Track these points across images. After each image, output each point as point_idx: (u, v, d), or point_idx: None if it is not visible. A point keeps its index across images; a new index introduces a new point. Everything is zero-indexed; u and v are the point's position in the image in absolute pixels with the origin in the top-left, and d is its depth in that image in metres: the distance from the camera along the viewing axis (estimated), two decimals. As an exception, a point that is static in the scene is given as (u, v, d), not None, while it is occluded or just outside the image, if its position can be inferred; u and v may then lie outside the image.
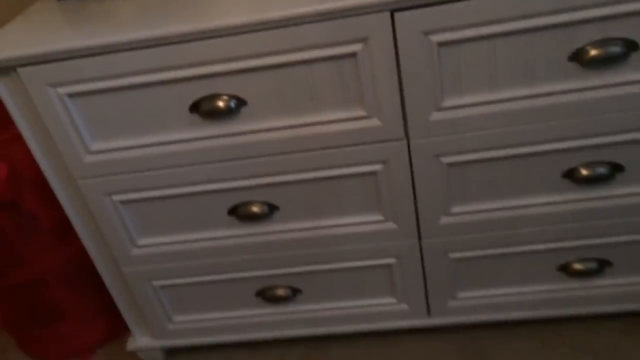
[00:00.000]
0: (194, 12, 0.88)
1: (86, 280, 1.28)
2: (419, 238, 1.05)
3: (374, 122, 0.91)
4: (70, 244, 1.22)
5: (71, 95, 0.92)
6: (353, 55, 0.84)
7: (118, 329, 1.38)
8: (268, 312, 1.20)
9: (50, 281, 1.25)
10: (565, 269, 1.07)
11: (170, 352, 1.32)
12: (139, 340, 1.27)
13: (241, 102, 0.91)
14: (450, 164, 0.95)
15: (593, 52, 0.81)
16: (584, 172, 0.93)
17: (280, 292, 1.16)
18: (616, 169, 0.93)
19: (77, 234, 1.12)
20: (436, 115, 0.89)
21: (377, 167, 0.96)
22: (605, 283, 1.08)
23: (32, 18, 1.02)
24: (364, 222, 1.04)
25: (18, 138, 1.06)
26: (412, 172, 0.97)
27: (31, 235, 1.17)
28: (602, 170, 0.93)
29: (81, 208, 1.07)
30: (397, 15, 0.80)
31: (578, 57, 0.82)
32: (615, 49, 0.80)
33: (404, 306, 1.15)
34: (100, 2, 1.03)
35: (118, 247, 1.10)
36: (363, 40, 0.83)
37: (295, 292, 1.16)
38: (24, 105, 0.95)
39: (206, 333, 1.24)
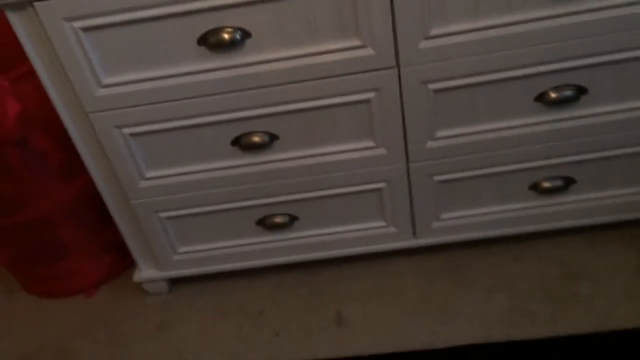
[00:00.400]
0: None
1: (91, 217, 1.35)
2: (407, 162, 1.15)
3: (368, 51, 1.00)
4: (76, 182, 1.28)
5: (85, 30, 0.98)
6: (351, -14, 0.93)
7: (121, 266, 1.46)
8: (267, 239, 1.29)
9: (57, 219, 1.31)
10: (535, 188, 1.19)
11: (174, 282, 1.40)
12: (145, 272, 1.36)
13: (246, 34, 0.99)
14: (436, 90, 1.05)
15: (562, -18, 0.92)
16: (553, 95, 1.05)
17: (279, 219, 1.25)
18: (581, 91, 1.05)
19: (84, 171, 1.18)
20: (424, 44, 0.99)
21: (370, 95, 1.06)
22: (570, 199, 1.21)
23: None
24: (356, 148, 1.14)
25: (27, 76, 1.12)
26: (401, 100, 1.07)
27: (39, 173, 1.23)
28: (568, 92, 1.05)
29: (91, 142, 1.13)
30: (391, -52, 0.90)
31: (549, -14, 0.93)
32: (581, -21, 0.92)
33: (392, 229, 1.27)
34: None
35: (127, 180, 1.17)
36: (360, -28, 0.92)
37: (292, 220, 1.26)
38: (39, 40, 1.00)
39: (208, 262, 1.33)
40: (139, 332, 1.32)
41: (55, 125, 1.12)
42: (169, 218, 1.24)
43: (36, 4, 0.95)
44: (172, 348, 1.27)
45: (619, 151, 1.13)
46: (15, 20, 0.98)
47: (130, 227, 1.27)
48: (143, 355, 1.27)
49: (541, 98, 1.06)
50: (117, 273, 1.46)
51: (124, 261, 1.44)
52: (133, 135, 1.11)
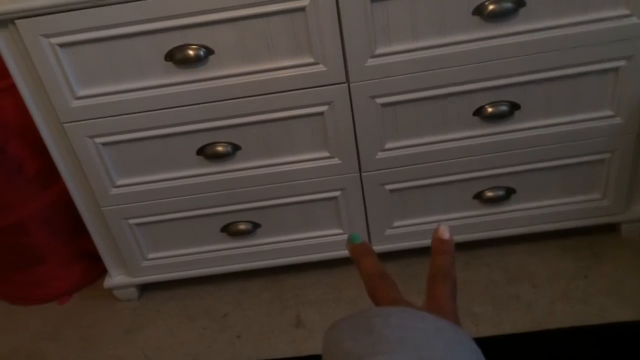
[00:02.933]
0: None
1: (65, 225, 1.42)
2: (360, 172, 1.25)
3: (320, 68, 1.10)
4: (51, 190, 1.36)
5: (62, 45, 1.08)
6: (302, 9, 1.04)
7: (93, 274, 1.52)
8: (231, 246, 1.37)
9: (32, 225, 1.38)
10: (479, 197, 1.29)
11: (144, 288, 1.47)
12: (115, 278, 1.42)
13: (209, 51, 1.09)
14: (384, 104, 1.15)
15: (491, 7, 1.03)
16: (489, 109, 1.16)
17: (242, 226, 1.33)
18: (514, 107, 1.16)
19: (58, 179, 1.26)
20: (371, 62, 1.10)
21: (323, 108, 1.16)
22: (512, 208, 1.31)
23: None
24: (313, 158, 1.23)
25: (6, 89, 1.21)
26: (352, 113, 1.16)
27: (16, 180, 1.31)
28: (503, 108, 1.15)
29: (65, 151, 1.21)
30: (337, -24, 1.01)
31: (479, 11, 1.04)
32: (508, 5, 1.03)
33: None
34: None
35: (98, 187, 1.25)
36: (310, -4, 1.02)
37: (255, 227, 1.34)
38: (19, 55, 1.09)
39: (176, 268, 1.40)
40: (108, 336, 1.38)
41: (32, 135, 1.21)
42: (138, 225, 1.32)
43: (17, 21, 1.04)
44: (139, 350, 1.33)
45: (551, 163, 1.23)
46: (-2, 37, 1.07)
47: (102, 233, 1.34)
48: (111, 357, 1.33)
49: (479, 113, 1.17)
50: (90, 281, 1.53)
51: (96, 269, 1.51)
52: (105, 144, 1.20)
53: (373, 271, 0.45)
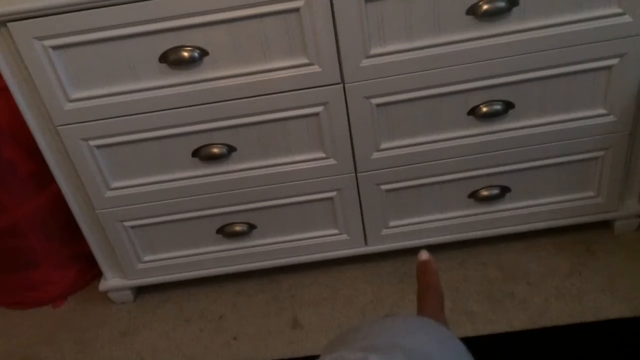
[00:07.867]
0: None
1: (60, 227, 1.41)
2: (355, 172, 1.25)
3: (315, 68, 1.10)
4: (45, 192, 1.35)
5: (55, 48, 1.07)
6: (297, 10, 1.03)
7: (88, 276, 1.52)
8: (227, 247, 1.37)
9: (26, 228, 1.37)
10: (474, 196, 1.29)
11: (139, 291, 1.46)
12: (110, 281, 1.42)
13: (204, 53, 1.09)
14: (379, 105, 1.15)
15: (484, 7, 1.03)
16: (484, 109, 1.16)
17: (238, 228, 1.33)
18: (508, 106, 1.16)
19: (52, 182, 1.25)
20: (366, 62, 1.10)
21: (318, 109, 1.16)
22: (507, 207, 1.31)
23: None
24: (308, 159, 1.23)
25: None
26: (347, 113, 1.16)
27: (10, 183, 1.30)
28: (497, 107, 1.16)
29: (59, 154, 1.21)
30: (331, -24, 1.01)
31: (473, 11, 1.05)
32: (501, 4, 1.03)
33: (344, 236, 1.35)
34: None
35: (93, 190, 1.25)
36: (304, -3, 1.02)
37: (251, 228, 1.33)
38: (12, 58, 1.09)
39: (171, 270, 1.39)
40: (104, 339, 1.37)
41: (25, 137, 1.20)
42: (134, 227, 1.31)
43: (9, 24, 1.03)
44: (135, 353, 1.32)
45: (546, 161, 1.24)
46: (-10, 39, 1.07)
47: (97, 236, 1.34)
48: (106, 360, 1.32)
49: (473, 112, 1.17)
50: (84, 284, 1.52)
51: (91, 272, 1.50)
52: (99, 147, 1.19)
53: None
